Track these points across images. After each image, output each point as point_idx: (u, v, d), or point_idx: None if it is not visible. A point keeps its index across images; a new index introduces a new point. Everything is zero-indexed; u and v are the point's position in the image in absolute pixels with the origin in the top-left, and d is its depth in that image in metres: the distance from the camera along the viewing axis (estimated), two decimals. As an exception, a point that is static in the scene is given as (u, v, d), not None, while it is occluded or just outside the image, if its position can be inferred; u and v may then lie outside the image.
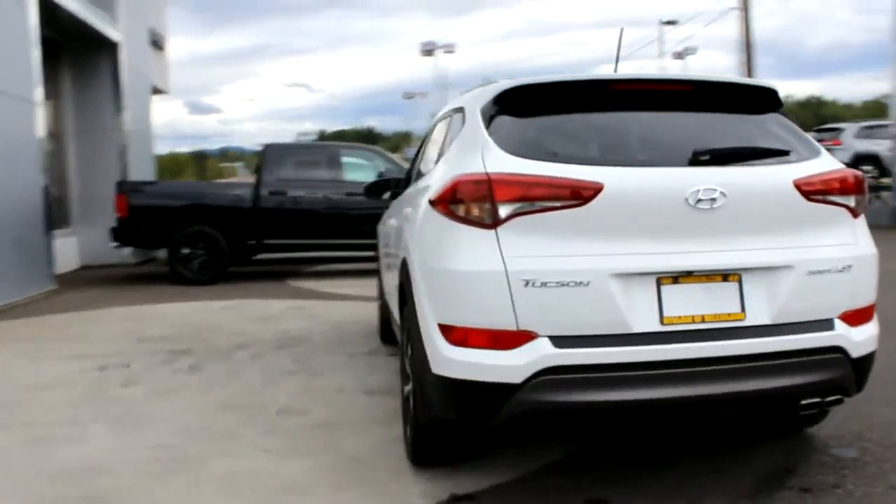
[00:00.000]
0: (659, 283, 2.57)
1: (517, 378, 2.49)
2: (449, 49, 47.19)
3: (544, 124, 2.94)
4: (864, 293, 2.83)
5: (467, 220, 2.64)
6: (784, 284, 2.66)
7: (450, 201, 2.70)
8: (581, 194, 2.54)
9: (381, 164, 10.58)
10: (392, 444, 3.51)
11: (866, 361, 2.83)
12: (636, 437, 3.52)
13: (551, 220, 2.55)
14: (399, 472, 3.17)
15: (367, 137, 72.92)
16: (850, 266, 2.77)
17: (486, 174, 2.64)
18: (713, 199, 2.58)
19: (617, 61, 3.07)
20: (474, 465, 3.19)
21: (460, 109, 3.35)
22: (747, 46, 24.08)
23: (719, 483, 2.96)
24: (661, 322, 2.54)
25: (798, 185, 2.74)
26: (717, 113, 3.02)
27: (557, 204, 2.54)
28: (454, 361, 2.61)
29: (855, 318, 2.78)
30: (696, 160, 2.71)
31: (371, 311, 6.81)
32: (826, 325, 2.72)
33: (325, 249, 10.19)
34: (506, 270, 2.51)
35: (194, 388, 4.68)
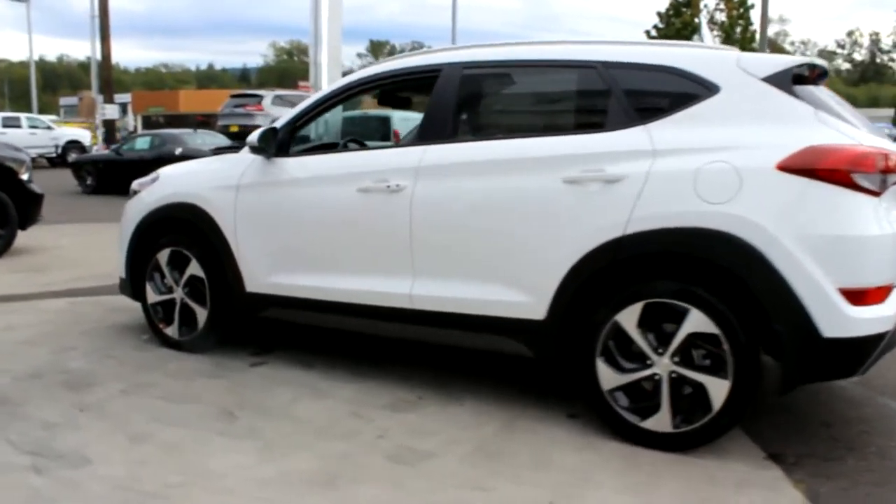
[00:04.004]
0: None
1: (891, 325, 2.88)
2: None
3: (818, 102, 3.08)
4: None
5: (864, 189, 2.82)
6: None
7: (852, 171, 2.80)
8: None
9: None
10: (563, 420, 3.39)
11: None
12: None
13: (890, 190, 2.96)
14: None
15: None
16: None
17: (881, 148, 2.89)
18: None
19: (701, 38, 3.27)
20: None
21: (670, 69, 3.17)
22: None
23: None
24: None
25: None
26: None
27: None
28: (859, 321, 2.79)
29: None
30: None
31: (48, 315, 5.16)
32: None
33: None
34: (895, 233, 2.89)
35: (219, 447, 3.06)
